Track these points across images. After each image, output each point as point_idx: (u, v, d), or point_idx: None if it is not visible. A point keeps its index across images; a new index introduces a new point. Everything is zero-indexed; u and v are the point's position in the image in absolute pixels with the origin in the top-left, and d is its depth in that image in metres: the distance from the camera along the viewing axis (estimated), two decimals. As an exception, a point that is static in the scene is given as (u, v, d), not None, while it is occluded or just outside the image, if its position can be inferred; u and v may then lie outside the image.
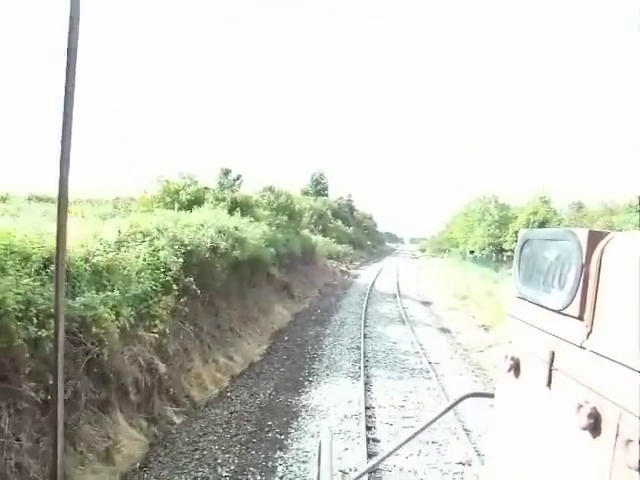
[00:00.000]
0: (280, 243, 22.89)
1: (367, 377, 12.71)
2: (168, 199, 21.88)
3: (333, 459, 3.10)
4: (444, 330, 20.53)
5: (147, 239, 12.71)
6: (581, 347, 1.36)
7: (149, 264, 11.95)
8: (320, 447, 3.13)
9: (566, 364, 1.43)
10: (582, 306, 1.39)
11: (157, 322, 11.25)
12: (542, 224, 57.74)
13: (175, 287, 12.22)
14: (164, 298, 11.72)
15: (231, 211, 20.83)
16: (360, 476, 3.01)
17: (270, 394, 11.50)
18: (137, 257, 11.84)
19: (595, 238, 1.38)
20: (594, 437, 1.23)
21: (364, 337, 17.32)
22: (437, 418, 3.00)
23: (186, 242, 13.12)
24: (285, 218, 28.95)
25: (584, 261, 1.38)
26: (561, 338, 1.46)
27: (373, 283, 36.49)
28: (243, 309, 18.69)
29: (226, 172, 23.23)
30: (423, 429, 2.83)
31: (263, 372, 13.37)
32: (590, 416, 1.24)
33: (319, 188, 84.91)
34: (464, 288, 32.63)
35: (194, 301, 13.22)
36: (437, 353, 15.89)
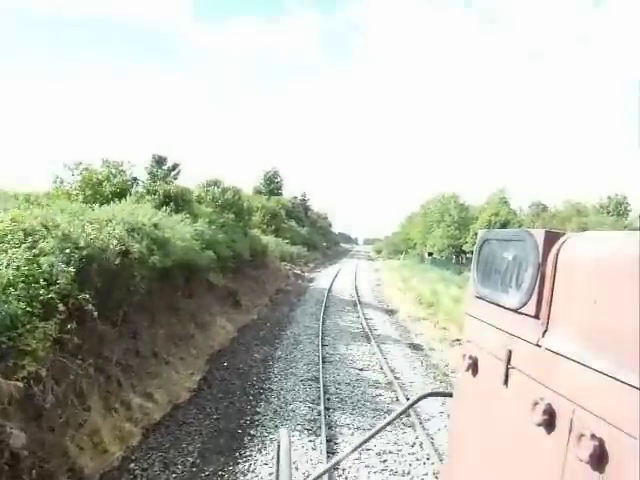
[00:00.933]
0: (223, 245, 19.38)
1: (330, 429, 9.35)
2: (88, 192, 18.12)
3: (291, 459, 3.02)
4: (416, 347, 17.40)
5: (29, 240, 9.15)
6: (537, 345, 1.36)
7: (24, 275, 8.41)
8: (279, 447, 2.91)
9: (522, 362, 1.44)
10: (538, 305, 1.40)
11: (26, 361, 7.72)
12: (503, 225, 55.73)
13: (62, 307, 8.68)
14: (42, 325, 8.18)
15: (162, 206, 17.24)
16: (319, 476, 2.73)
17: (193, 464, 8.00)
18: (6, 265, 8.29)
19: (551, 238, 1.40)
20: (549, 433, 1.24)
21: (323, 362, 13.97)
22: (395, 418, 2.93)
23: (82, 244, 9.54)
24: (232, 216, 25.40)
25: (540, 261, 1.40)
26: (518, 337, 1.47)
27: (330, 288, 33.22)
28: (174, 326, 15.18)
29: (159, 160, 19.54)
30: (380, 430, 2.73)
31: (188, 420, 9.87)
32: (545, 412, 1.24)
33: (272, 187, 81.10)
34: (429, 294, 29.77)
35: (92, 324, 9.64)
36: (414, 382, 12.69)
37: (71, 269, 9.00)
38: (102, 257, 10.19)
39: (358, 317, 22.59)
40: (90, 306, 9.10)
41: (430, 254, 62.91)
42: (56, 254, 9.20)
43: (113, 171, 18.77)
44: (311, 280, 39.77)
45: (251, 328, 19.35)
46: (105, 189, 18.13)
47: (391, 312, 25.81)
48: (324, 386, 11.70)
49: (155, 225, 12.49)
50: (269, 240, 36.57)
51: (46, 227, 9.67)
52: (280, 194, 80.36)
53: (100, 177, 18.57)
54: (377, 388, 11.96)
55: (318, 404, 10.51)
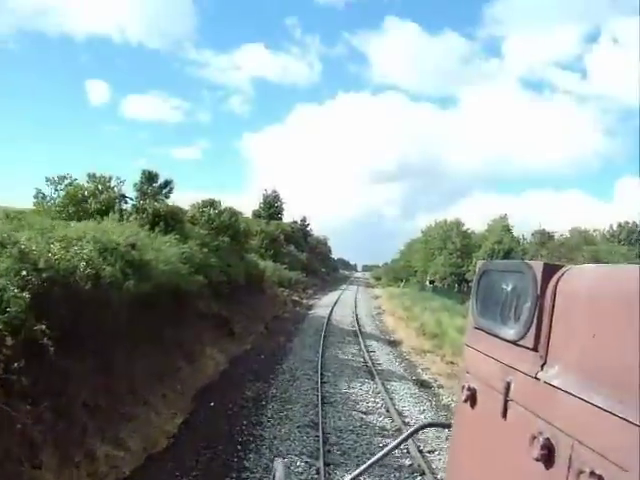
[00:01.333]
0: (216, 269, 17.90)
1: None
2: (72, 208, 16.70)
3: None
4: (423, 385, 15.81)
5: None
6: (535, 378, 1.35)
7: (-34, 302, 6.98)
8: (274, 476, 2.98)
9: (521, 395, 1.42)
10: (537, 338, 1.38)
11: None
12: (507, 253, 54.34)
13: (10, 341, 7.20)
14: (-18, 363, 6.73)
15: (152, 226, 15.80)
16: None
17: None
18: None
19: (550, 271, 1.38)
20: (547, 468, 1.22)
21: (322, 403, 12.38)
22: (394, 448, 2.88)
23: (42, 265, 8.07)
24: (227, 239, 23.95)
25: (539, 293, 1.38)
26: (516, 369, 1.45)
27: (330, 316, 31.63)
28: (157, 358, 13.64)
29: (150, 177, 18.15)
30: (379, 460, 2.75)
31: (162, 478, 8.29)
32: (543, 447, 1.23)
33: (272, 211, 79.66)
34: (432, 324, 28.19)
35: (54, 359, 8.12)
36: (426, 429, 11.10)
37: (26, 295, 7.53)
38: (68, 281, 8.71)
39: (360, 349, 20.99)
40: (46, 339, 7.58)
41: (431, 282, 61.34)
42: (10, 276, 7.75)
43: (100, 187, 17.36)
44: (310, 307, 38.19)
45: (244, 360, 17.77)
46: (90, 206, 16.72)
47: (394, 343, 24.23)
48: (324, 434, 10.09)
49: (132, 246, 11.00)
50: (266, 265, 35.08)
51: (2, 244, 8.22)
52: (280, 218, 79.00)
53: (86, 193, 17.18)
54: (384, 437, 10.35)
55: (317, 458, 8.92)
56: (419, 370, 18.29)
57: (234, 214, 26.13)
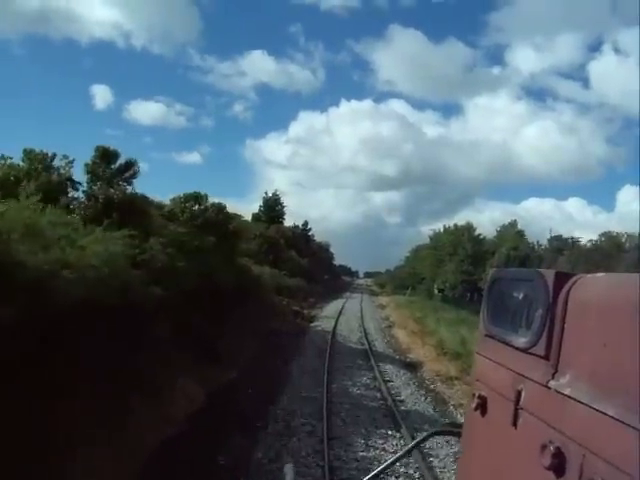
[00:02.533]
0: (191, 275, 13.62)
1: None
2: None
3: None
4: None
5: None
6: (546, 387, 1.31)
7: None
8: None
9: (531, 403, 1.38)
10: (548, 346, 1.35)
11: None
12: (523, 260, 50.06)
13: None
14: None
15: (100, 217, 11.54)
16: None
17: None
18: None
19: (562, 279, 1.36)
20: (558, 477, 1.19)
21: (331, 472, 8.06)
22: (403, 455, 2.92)
23: None
24: (213, 239, 19.66)
25: (551, 302, 1.35)
26: (527, 377, 1.41)
27: (334, 330, 27.29)
28: (99, 398, 9.49)
29: (105, 154, 13.74)
30: (388, 467, 2.74)
31: None
32: (554, 456, 1.19)
33: (273, 214, 75.30)
34: (452, 341, 23.89)
35: None
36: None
37: None
38: None
39: (374, 377, 16.64)
40: None
41: (441, 290, 56.97)
42: None
43: (39, 167, 13.10)
44: (312, 319, 33.81)
45: (228, 394, 13.50)
46: (25, 190, 12.46)
47: (413, 367, 19.90)
48: None
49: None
50: (263, 271, 30.76)
51: None
52: (281, 222, 74.81)
53: (20, 174, 12.94)
54: None
55: None
56: (451, 408, 14.00)
57: (222, 211, 21.84)
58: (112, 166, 14.44)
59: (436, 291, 59.49)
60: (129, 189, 14.42)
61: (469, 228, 57.26)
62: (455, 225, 58.58)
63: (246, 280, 22.80)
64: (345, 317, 36.11)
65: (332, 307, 44.95)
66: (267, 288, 30.96)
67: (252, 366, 17.27)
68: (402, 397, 14.54)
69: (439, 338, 26.72)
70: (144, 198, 14.99)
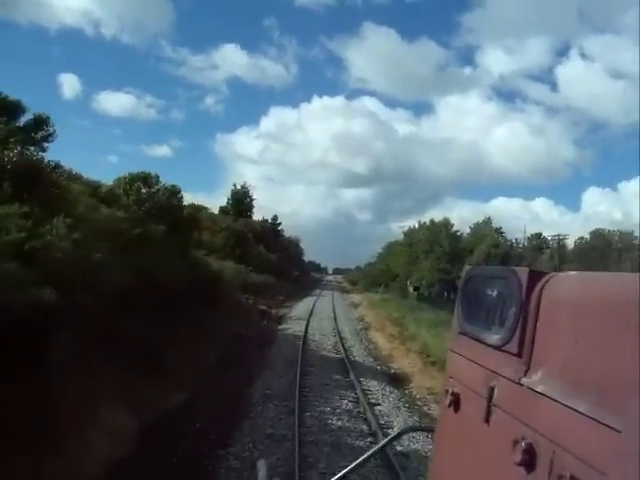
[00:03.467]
0: (112, 271, 10.14)
1: None
2: None
3: None
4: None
5: None
6: (519, 384, 1.31)
7: None
8: (257, 478, 2.77)
9: (504, 400, 1.39)
10: (520, 343, 1.34)
11: None
12: (504, 258, 47.47)
13: None
14: None
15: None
16: None
17: None
18: None
19: (535, 277, 1.36)
20: (528, 473, 1.20)
21: None
22: (376, 452, 2.91)
23: None
24: (163, 228, 16.16)
25: (524, 299, 1.36)
26: (500, 374, 1.42)
27: (305, 335, 23.94)
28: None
29: (6, 107, 10.20)
30: (360, 465, 2.61)
31: None
32: (525, 452, 1.20)
33: (241, 208, 71.52)
34: (437, 347, 20.76)
35: None
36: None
37: None
38: None
39: (356, 400, 13.34)
40: None
41: (416, 289, 54.01)
42: None
43: None
44: (279, 320, 30.38)
45: (167, 430, 10.07)
46: None
47: (399, 382, 16.71)
48: None
49: None
50: (224, 266, 27.24)
51: None
52: (249, 216, 71.22)
53: None
54: None
55: None
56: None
57: (176, 195, 18.32)
58: (16, 123, 10.83)
59: (411, 289, 56.60)
60: (40, 156, 10.86)
61: (446, 225, 54.50)
62: (432, 221, 55.73)
63: (204, 277, 19.30)
64: (317, 318, 32.78)
65: (302, 306, 41.56)
66: (230, 286, 27.48)
67: (206, 384, 13.87)
68: (391, 422, 11.32)
69: (422, 343, 23.64)
70: (58, 168, 11.42)
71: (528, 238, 55.69)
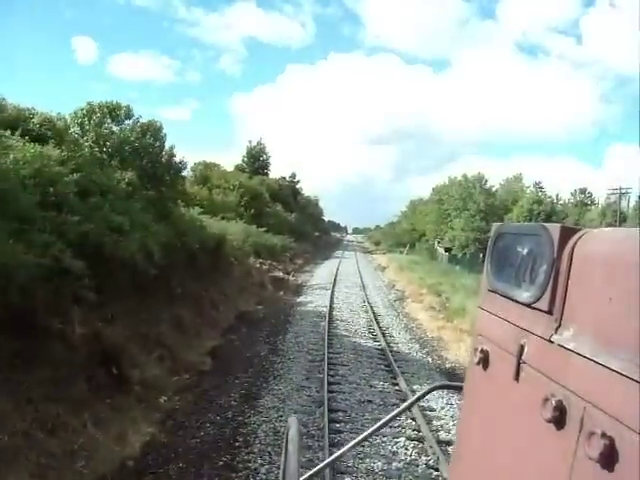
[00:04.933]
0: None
1: None
2: None
3: (300, 446, 2.74)
4: None
5: None
6: (549, 341, 1.30)
7: None
8: (287, 435, 2.68)
9: (534, 358, 1.37)
10: (552, 301, 1.33)
11: None
12: (548, 216, 42.00)
13: None
14: None
15: None
16: (320, 470, 2.57)
17: None
18: None
19: (567, 234, 1.34)
20: (558, 430, 1.19)
21: None
22: (405, 409, 2.90)
23: None
24: (131, 176, 11.15)
25: (555, 256, 1.33)
26: (530, 332, 1.40)
27: (330, 311, 19.05)
28: None
29: None
30: (389, 421, 2.51)
31: None
32: (555, 409, 1.19)
33: (257, 165, 66.18)
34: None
35: None
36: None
37: None
38: None
39: (417, 432, 8.41)
40: None
41: (448, 250, 48.76)
42: None
43: None
44: (299, 290, 25.46)
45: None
46: None
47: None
48: None
49: None
50: (230, 228, 22.26)
51: None
52: (266, 174, 65.99)
53: None
54: None
55: None
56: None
57: (156, 130, 13.22)
58: None
59: (441, 250, 51.36)
60: None
61: (480, 179, 48.78)
62: (464, 176, 49.95)
63: (199, 243, 14.34)
64: (342, 285, 27.78)
65: (324, 271, 36.61)
66: (241, 250, 22.58)
67: (189, 405, 9.08)
68: None
69: (472, 319, 18.60)
70: None
71: (571, 194, 49.91)
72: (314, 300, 21.67)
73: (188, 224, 14.06)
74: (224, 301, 17.76)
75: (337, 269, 36.89)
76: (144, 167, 11.99)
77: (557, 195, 48.48)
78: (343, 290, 25.87)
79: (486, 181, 48.70)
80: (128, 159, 11.66)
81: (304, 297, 22.66)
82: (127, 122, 12.82)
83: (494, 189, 49.31)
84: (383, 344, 14.45)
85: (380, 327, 17.19)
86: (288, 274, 30.78)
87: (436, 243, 57.67)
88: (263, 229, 34.47)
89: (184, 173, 13.18)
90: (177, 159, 13.35)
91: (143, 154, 12.01)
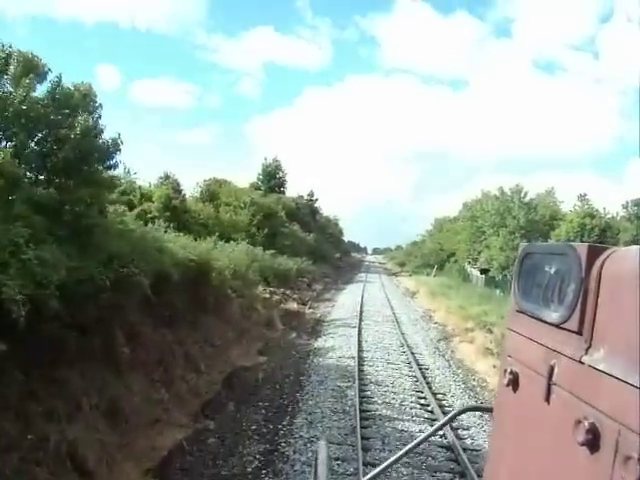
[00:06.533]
0: None
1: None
2: None
3: (329, 470, 2.71)
4: None
5: None
6: (580, 362, 1.27)
7: None
8: (317, 458, 2.79)
9: (565, 379, 1.35)
10: (581, 321, 1.30)
11: None
12: (603, 231, 36.08)
13: None
14: None
15: None
16: None
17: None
18: None
19: (595, 253, 1.31)
20: (592, 453, 1.15)
21: None
22: (435, 431, 2.76)
23: None
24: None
25: (583, 276, 1.30)
26: (560, 352, 1.37)
27: (360, 364, 13.50)
28: None
29: None
30: (420, 443, 2.60)
31: None
32: (588, 432, 1.15)
33: (273, 183, 61.06)
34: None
35: None
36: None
37: None
38: None
39: None
40: None
41: (485, 271, 42.85)
42: None
43: None
44: (317, 328, 19.81)
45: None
46: None
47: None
48: None
49: None
50: (226, 250, 16.86)
51: None
52: (283, 192, 60.91)
53: None
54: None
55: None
56: None
57: (82, 100, 7.91)
58: None
59: (477, 272, 45.46)
60: None
61: (519, 192, 42.97)
62: (500, 189, 44.13)
63: (151, 272, 8.94)
64: (371, 321, 22.03)
65: (347, 298, 30.89)
66: (239, 281, 17.13)
67: None
68: None
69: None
70: None
71: (622, 206, 43.85)
72: (336, 345, 16.07)
73: (136, 244, 8.68)
74: (210, 355, 12.35)
75: (362, 296, 31.23)
76: (35, 146, 6.81)
77: (604, 208, 42.34)
78: (372, 327, 20.21)
79: (526, 194, 42.85)
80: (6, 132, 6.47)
81: (323, 340, 17.05)
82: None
83: (535, 203, 43.44)
84: (451, 437, 8.84)
85: (432, 390, 11.65)
86: (304, 305, 25.31)
87: (466, 264, 51.87)
88: (274, 251, 29.13)
89: (115, 161, 7.67)
90: (107, 139, 8.01)
91: (35, 124, 6.82)
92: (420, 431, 9.13)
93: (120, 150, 8.09)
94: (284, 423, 9.16)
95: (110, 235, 7.99)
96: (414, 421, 9.58)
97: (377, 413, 9.83)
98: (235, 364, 12.78)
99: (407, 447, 2.47)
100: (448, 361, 15.79)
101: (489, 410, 2.24)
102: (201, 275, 12.59)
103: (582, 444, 1.16)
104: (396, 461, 2.49)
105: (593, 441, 1.14)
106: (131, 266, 7.92)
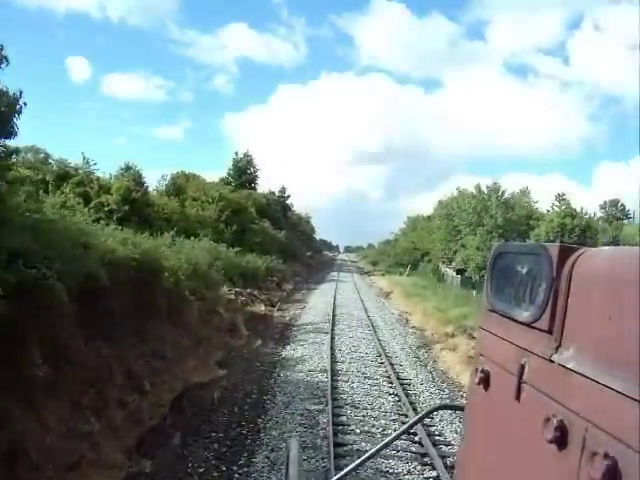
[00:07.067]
0: None
1: None
2: None
3: (300, 469, 2.81)
4: None
5: None
6: (550, 360, 1.27)
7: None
8: (288, 457, 2.72)
9: (535, 377, 1.34)
10: (551, 320, 1.29)
11: None
12: (583, 232, 35.04)
13: None
14: None
15: None
16: None
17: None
18: None
19: (566, 253, 1.30)
20: (560, 450, 1.16)
21: None
22: (407, 429, 2.70)
23: None
24: None
25: (554, 275, 1.30)
26: (530, 351, 1.37)
27: (333, 379, 11.77)
28: None
29: None
30: (392, 441, 2.53)
31: None
32: (557, 429, 1.16)
33: (244, 179, 58.97)
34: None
35: None
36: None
37: None
38: None
39: None
40: None
41: (461, 271, 41.52)
42: None
43: None
44: (286, 333, 17.95)
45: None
46: None
47: None
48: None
49: None
50: (186, 248, 14.99)
51: None
52: (254, 188, 58.95)
53: None
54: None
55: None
56: None
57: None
58: None
59: (452, 272, 44.18)
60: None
61: (497, 190, 41.72)
62: (477, 187, 42.80)
63: (71, 274, 7.05)
64: (344, 326, 20.28)
65: (319, 299, 29.11)
66: (200, 281, 15.25)
67: None
68: None
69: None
70: None
71: (600, 206, 42.99)
72: (307, 355, 14.28)
73: (53, 239, 6.78)
74: (158, 370, 10.44)
75: (334, 297, 29.53)
76: None
77: (582, 208, 41.34)
78: (346, 333, 18.47)
79: (503, 192, 41.61)
80: None
81: (292, 348, 15.23)
82: None
83: (512, 202, 42.23)
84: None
85: (418, 413, 9.94)
86: (273, 307, 23.47)
87: (441, 263, 50.67)
88: (243, 248, 27.24)
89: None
90: None
91: None
92: (409, 472, 7.43)
93: (20, 113, 6.21)
94: (240, 463, 7.34)
95: (11, 227, 6.10)
96: (400, 458, 7.84)
97: (355, 447, 8.07)
98: (189, 380, 10.92)
99: (378, 446, 2.39)
100: (431, 373, 14.15)
101: (461, 408, 2.17)
102: (149, 276, 10.68)
103: (551, 441, 1.15)
104: (367, 459, 2.43)
105: (561, 438, 1.13)
106: (41, 266, 6.05)
